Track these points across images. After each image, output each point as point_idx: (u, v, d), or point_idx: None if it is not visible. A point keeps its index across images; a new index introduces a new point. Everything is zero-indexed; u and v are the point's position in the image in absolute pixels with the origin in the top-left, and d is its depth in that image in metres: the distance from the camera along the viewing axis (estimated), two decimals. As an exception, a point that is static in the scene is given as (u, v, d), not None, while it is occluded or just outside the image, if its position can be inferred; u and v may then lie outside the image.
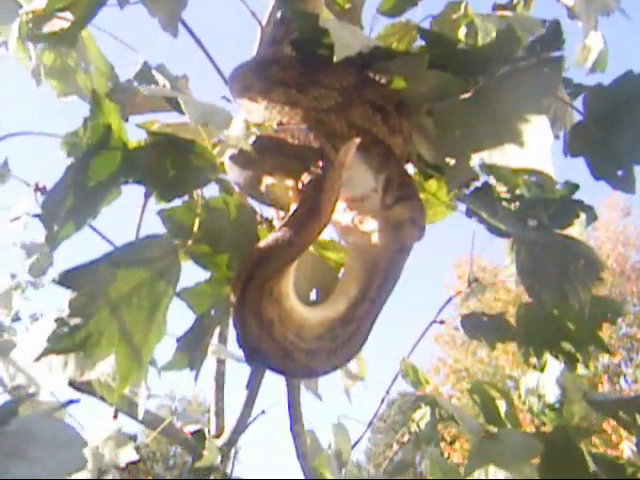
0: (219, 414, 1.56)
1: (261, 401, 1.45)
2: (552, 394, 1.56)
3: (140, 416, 1.11)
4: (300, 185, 0.81)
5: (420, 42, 1.21)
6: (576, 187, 1.30)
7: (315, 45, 0.83)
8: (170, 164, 0.81)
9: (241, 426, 1.45)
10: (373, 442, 15.85)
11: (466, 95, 0.84)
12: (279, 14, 1.05)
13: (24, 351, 0.91)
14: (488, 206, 1.04)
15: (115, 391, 0.75)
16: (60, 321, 0.71)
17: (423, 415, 1.50)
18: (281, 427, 1.53)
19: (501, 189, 1.20)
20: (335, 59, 0.71)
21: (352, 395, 1.68)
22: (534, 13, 1.37)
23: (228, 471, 1.54)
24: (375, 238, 0.83)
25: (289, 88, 0.85)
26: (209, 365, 1.65)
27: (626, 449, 1.73)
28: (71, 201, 0.73)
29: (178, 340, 0.82)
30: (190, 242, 0.82)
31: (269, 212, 1.03)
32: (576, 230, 1.31)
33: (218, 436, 1.51)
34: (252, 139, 0.83)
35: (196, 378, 0.88)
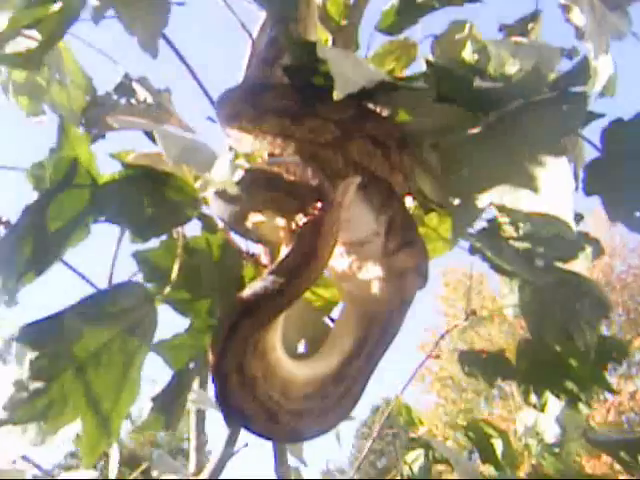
0: (199, 449, 1.47)
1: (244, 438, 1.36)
2: (551, 433, 1.48)
3: (113, 474, 1.02)
4: (293, 225, 0.72)
5: (420, 60, 1.13)
6: (580, 218, 1.23)
7: (311, 73, 0.75)
8: (147, 200, 0.73)
9: (222, 464, 1.36)
10: (357, 448, 15.78)
11: (475, 130, 0.76)
12: (271, 32, 0.97)
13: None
14: (494, 245, 0.96)
15: (82, 464, 0.66)
16: (19, 385, 0.62)
17: (416, 457, 1.42)
18: (266, 467, 1.45)
19: (504, 220, 1.12)
20: (335, 97, 0.62)
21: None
22: (542, 33, 1.30)
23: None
24: (375, 287, 0.74)
25: (283, 118, 0.77)
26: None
27: (625, 487, 1.66)
28: (30, 247, 0.64)
29: (153, 400, 0.73)
30: (168, 289, 0.74)
31: (255, 247, 0.94)
32: (581, 264, 1.23)
33: (198, 473, 1.43)
34: (240, 173, 0.74)
35: (174, 429, 0.80)
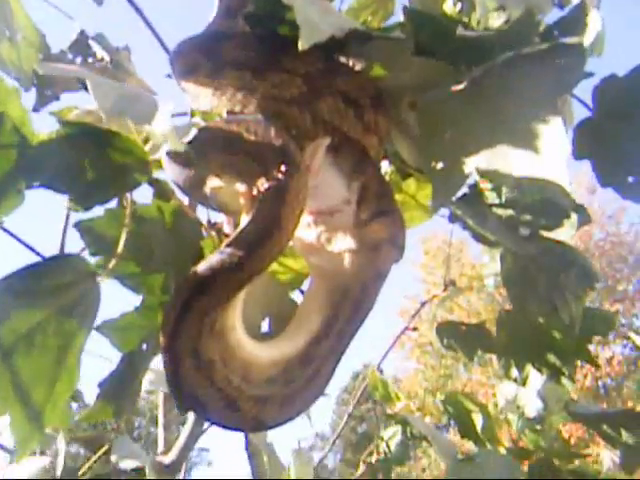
0: (168, 427, 1.40)
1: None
2: (532, 407, 1.43)
3: (59, 470, 0.95)
4: (255, 191, 0.64)
5: (398, 15, 1.05)
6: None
7: (275, 21, 0.67)
8: (89, 163, 0.64)
9: (191, 444, 1.29)
10: (338, 414, 15.93)
11: (460, 86, 0.68)
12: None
13: None
14: (477, 214, 0.89)
15: (16, 458, 0.59)
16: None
17: (393, 434, 1.37)
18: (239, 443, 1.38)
19: (486, 186, 1.05)
20: (301, 46, 0.55)
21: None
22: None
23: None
24: (346, 261, 0.67)
25: (243, 71, 0.68)
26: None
27: (606, 459, 1.62)
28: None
29: (100, 385, 0.66)
30: (113, 262, 0.66)
31: (219, 215, 0.86)
32: (566, 232, 1.17)
33: (166, 452, 1.36)
34: (194, 132, 0.66)
35: (130, 414, 0.72)
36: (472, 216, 0.87)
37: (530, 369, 1.33)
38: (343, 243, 0.67)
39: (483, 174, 0.71)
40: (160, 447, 1.39)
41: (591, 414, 1.41)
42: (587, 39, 1.31)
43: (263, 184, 0.63)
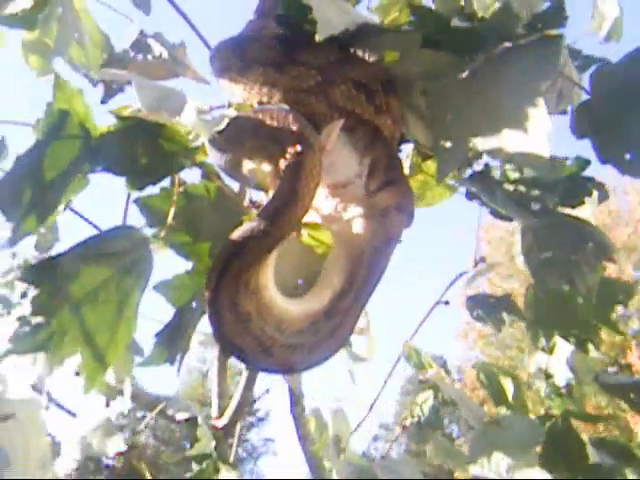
0: (222, 395, 1.54)
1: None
2: (561, 376, 1.51)
3: (125, 410, 1.09)
4: (278, 170, 0.76)
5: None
6: (587, 163, 1.23)
7: (300, 20, 0.78)
8: (141, 150, 0.77)
9: (241, 408, 1.42)
10: (401, 403, 15.89)
11: (461, 75, 0.78)
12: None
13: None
14: (487, 190, 0.98)
15: (83, 392, 0.72)
16: (22, 320, 0.68)
17: (426, 399, 1.46)
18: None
19: (494, 164, 1.13)
20: (317, 38, 0.66)
21: (358, 375, 1.64)
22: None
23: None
24: (359, 227, 0.78)
25: (267, 67, 0.80)
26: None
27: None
28: (29, 193, 0.69)
29: (157, 335, 0.78)
30: (164, 232, 0.78)
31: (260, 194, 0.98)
32: (587, 209, 1.24)
33: (219, 417, 1.49)
34: (225, 121, 0.78)
35: (178, 371, 0.85)
36: (482, 192, 0.96)
37: (557, 338, 1.41)
38: (356, 211, 0.78)
39: (482, 152, 0.81)
40: (214, 413, 1.52)
41: (619, 384, 1.47)
42: (605, 27, 1.38)
43: (283, 163, 0.74)
